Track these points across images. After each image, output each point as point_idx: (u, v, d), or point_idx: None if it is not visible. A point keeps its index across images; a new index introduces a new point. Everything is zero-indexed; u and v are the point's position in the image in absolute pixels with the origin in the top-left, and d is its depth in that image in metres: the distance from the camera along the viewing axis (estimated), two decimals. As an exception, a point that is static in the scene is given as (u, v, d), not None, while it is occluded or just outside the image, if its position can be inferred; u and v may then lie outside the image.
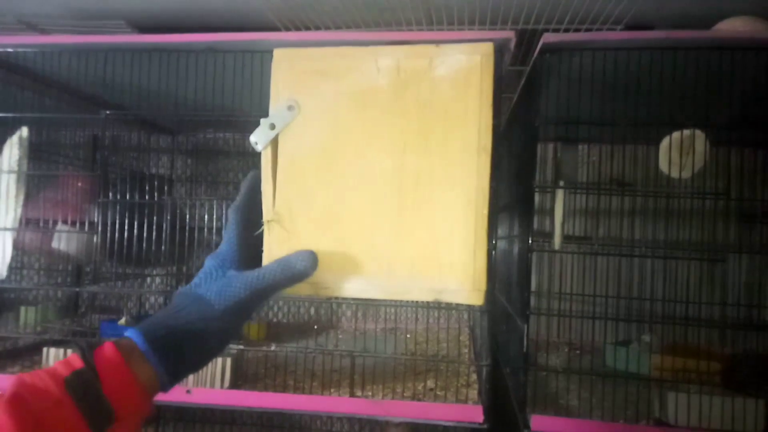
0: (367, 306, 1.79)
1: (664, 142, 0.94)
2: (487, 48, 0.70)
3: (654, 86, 0.94)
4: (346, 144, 0.71)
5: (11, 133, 1.14)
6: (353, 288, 0.70)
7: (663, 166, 0.94)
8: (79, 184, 1.56)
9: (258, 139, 0.72)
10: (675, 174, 0.93)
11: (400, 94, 0.70)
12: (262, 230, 0.68)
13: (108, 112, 1.08)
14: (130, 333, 0.51)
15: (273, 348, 1.13)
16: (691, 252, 1.19)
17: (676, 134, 0.93)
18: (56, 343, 1.22)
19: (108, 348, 0.48)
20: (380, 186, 0.69)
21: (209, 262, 0.59)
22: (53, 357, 1.08)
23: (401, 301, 1.41)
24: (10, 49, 1.05)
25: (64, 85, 1.27)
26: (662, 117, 0.95)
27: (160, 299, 1.86)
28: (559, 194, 0.95)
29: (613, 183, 1.45)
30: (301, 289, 0.71)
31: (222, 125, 1.84)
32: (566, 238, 1.31)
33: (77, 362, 0.47)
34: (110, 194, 1.27)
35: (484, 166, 0.69)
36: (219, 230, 1.34)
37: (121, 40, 1.04)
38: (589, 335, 1.65)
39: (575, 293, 1.59)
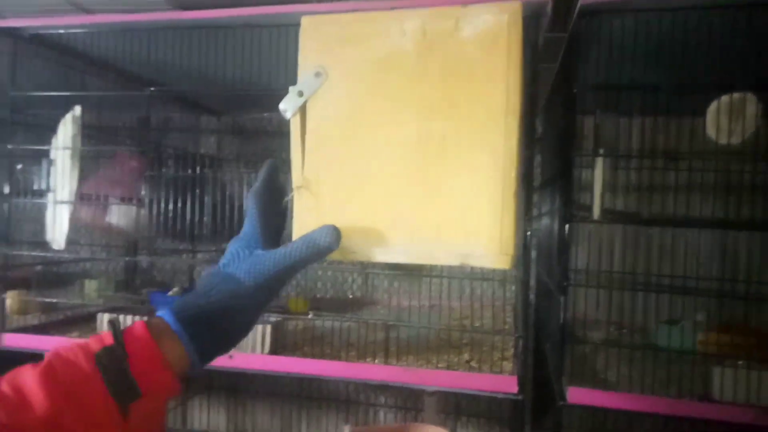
0: (409, 283, 1.80)
1: (712, 107, 0.89)
2: (515, 7, 0.68)
3: (701, 49, 0.89)
4: (372, 109, 0.71)
5: (65, 112, 1.21)
6: (380, 253, 0.70)
7: (710, 131, 0.89)
8: (133, 163, 1.64)
9: (287, 106, 0.73)
10: (723, 140, 0.88)
11: (426, 58, 0.69)
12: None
13: (152, 89, 1.12)
14: (162, 313, 0.51)
15: (310, 316, 1.15)
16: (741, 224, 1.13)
17: (725, 98, 0.88)
18: (111, 311, 1.28)
19: (138, 327, 0.50)
20: (406, 150, 0.69)
21: (234, 244, 0.59)
22: (107, 324, 1.15)
23: (443, 274, 1.41)
24: (60, 30, 1.10)
25: (113, 66, 1.32)
26: (710, 81, 0.90)
27: (206, 270, 1.93)
28: (599, 163, 0.92)
29: (660, 156, 1.39)
30: (329, 255, 0.72)
31: (265, 105, 1.88)
32: (614, 214, 1.27)
33: (108, 339, 0.48)
34: (161, 171, 1.32)
35: (512, 128, 0.67)
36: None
37: (161, 17, 1.07)
38: (636, 315, 1.60)
39: (624, 272, 1.54)
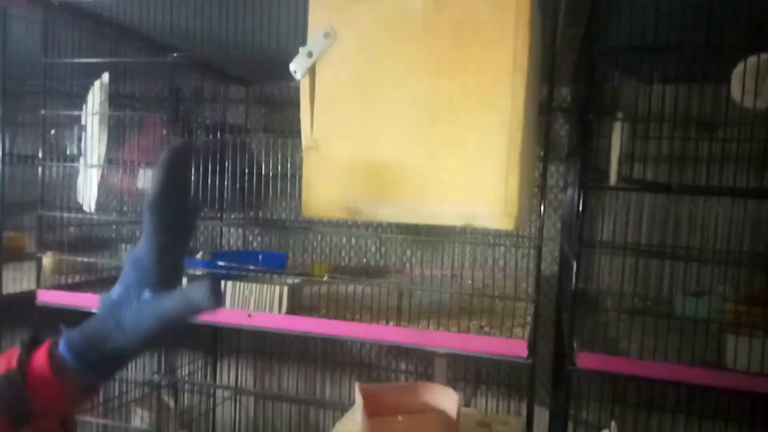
0: (432, 251, 1.80)
1: (738, 69, 0.86)
2: (525, -37, 0.67)
3: (728, 8, 0.86)
4: (381, 68, 0.71)
5: (94, 80, 1.25)
6: (386, 212, 0.72)
7: (735, 94, 0.86)
8: (163, 131, 1.68)
9: (297, 67, 0.74)
10: (749, 103, 0.85)
11: (435, 16, 0.69)
12: (190, 219, 0.59)
13: (175, 54, 1.15)
14: (62, 345, 0.54)
15: (326, 278, 1.18)
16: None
17: (752, 59, 0.85)
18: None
19: (41, 356, 0.53)
20: (414, 109, 0.70)
21: (131, 272, 0.56)
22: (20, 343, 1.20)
23: (463, 239, 1.42)
24: (88, -2, 1.13)
25: (140, 34, 1.35)
26: (737, 42, 0.87)
27: (235, 236, 1.99)
28: (617, 127, 0.90)
29: (687, 123, 1.35)
30: (337, 213, 0.74)
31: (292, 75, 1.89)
32: (631, 182, 1.24)
33: (14, 362, 0.53)
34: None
35: (519, 87, 0.67)
36: (292, 177, 1.38)
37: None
38: (662, 287, 1.57)
39: (653, 244, 1.51)
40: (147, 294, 0.55)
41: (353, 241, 1.90)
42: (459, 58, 0.68)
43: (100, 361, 0.55)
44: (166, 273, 0.56)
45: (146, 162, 1.60)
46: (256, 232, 2.03)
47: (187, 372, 1.98)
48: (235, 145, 1.48)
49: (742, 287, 1.44)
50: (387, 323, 1.06)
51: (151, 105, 1.92)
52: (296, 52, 1.20)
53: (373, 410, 0.86)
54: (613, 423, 1.03)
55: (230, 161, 1.45)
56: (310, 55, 0.73)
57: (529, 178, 0.88)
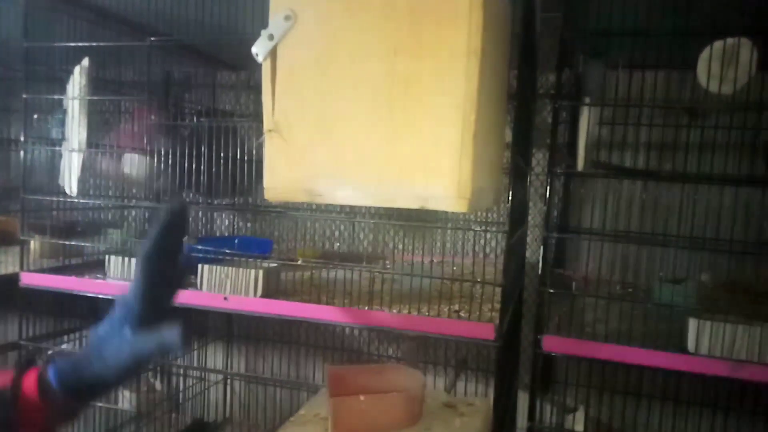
0: (417, 237, 1.81)
1: (705, 53, 0.86)
2: (479, -55, 0.67)
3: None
4: (339, 50, 0.72)
5: (75, 64, 1.25)
6: (345, 195, 0.72)
7: (702, 79, 0.86)
8: (150, 116, 1.69)
9: (258, 50, 0.75)
10: (714, 88, 0.85)
11: (392, -1, 0.69)
12: (180, 273, 0.64)
13: (152, 38, 1.15)
14: (51, 371, 0.60)
15: (299, 262, 1.19)
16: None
17: (717, 44, 0.85)
18: (122, 255, 1.34)
19: (31, 379, 0.59)
20: (371, 92, 0.70)
21: (118, 310, 0.62)
22: (113, 264, 1.22)
23: (450, 225, 1.43)
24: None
25: (119, 17, 1.36)
26: (704, 26, 0.87)
27: (226, 222, 2.00)
28: (584, 112, 0.90)
29: (680, 111, 1.34)
30: (298, 196, 0.75)
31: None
32: (599, 166, 1.24)
33: (8, 380, 0.59)
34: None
35: (473, 70, 0.67)
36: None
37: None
38: (645, 274, 1.58)
39: (636, 231, 1.52)
40: (128, 332, 0.60)
41: (342, 227, 1.91)
42: (415, 40, 0.69)
43: (82, 389, 0.60)
44: (148, 316, 0.60)
45: (133, 147, 1.61)
46: (248, 217, 2.04)
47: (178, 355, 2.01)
48: (226, 130, 1.48)
49: (723, 274, 1.45)
50: (361, 307, 1.08)
51: (139, 90, 1.93)
52: None
53: (339, 391, 0.88)
54: (581, 407, 1.04)
55: (220, 146, 1.45)
56: (271, 38, 0.73)
57: (495, 163, 0.88)
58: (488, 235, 1.73)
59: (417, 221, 1.50)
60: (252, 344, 2.07)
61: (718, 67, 0.84)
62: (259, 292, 1.09)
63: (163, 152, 1.56)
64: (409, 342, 1.07)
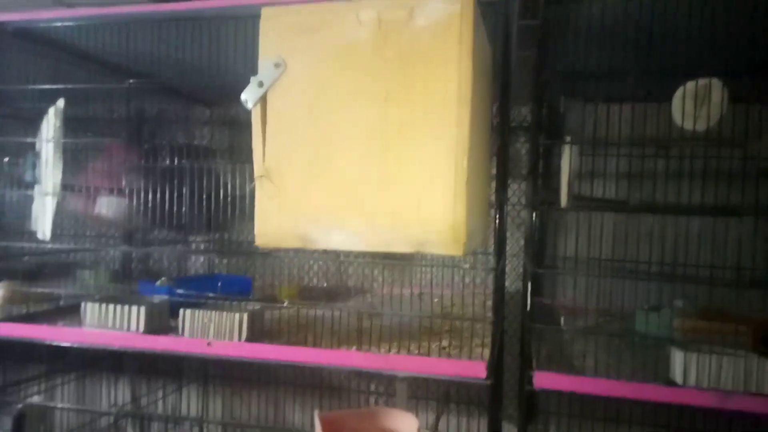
0: (400, 272, 1.81)
1: (678, 93, 0.90)
2: (467, -4, 0.69)
3: (667, 36, 0.90)
4: (330, 98, 0.72)
5: (51, 105, 1.23)
6: (339, 240, 0.72)
7: (676, 117, 0.90)
8: (123, 154, 1.66)
9: (248, 97, 0.75)
10: (689, 126, 0.89)
11: (382, 46, 0.70)
12: None
13: (131, 81, 1.14)
14: None
15: (285, 304, 1.17)
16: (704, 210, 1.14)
17: (690, 84, 0.88)
18: (101, 301, 1.30)
19: None
20: (364, 138, 0.71)
21: None
22: (89, 312, 1.17)
23: (431, 262, 1.43)
24: (42, 24, 1.12)
25: (96, 58, 1.34)
26: (677, 67, 0.91)
27: (201, 258, 1.96)
28: (566, 150, 0.92)
29: (651, 142, 1.39)
30: (291, 242, 0.74)
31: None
32: (583, 201, 1.27)
33: None
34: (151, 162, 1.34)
35: (463, 116, 0.68)
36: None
37: (143, 9, 1.09)
38: (621, 302, 1.61)
39: (607, 258, 1.55)
40: None
41: (320, 262, 1.89)
42: (406, 87, 0.70)
43: None
44: None
45: (105, 187, 1.58)
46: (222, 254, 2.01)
47: (152, 401, 1.94)
48: (201, 167, 1.46)
49: (695, 300, 1.48)
50: (349, 347, 1.06)
51: (110, 128, 1.90)
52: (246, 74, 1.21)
53: (332, 437, 0.86)
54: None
55: (195, 183, 1.43)
56: (260, 84, 0.73)
57: (483, 198, 0.89)
58: (467, 265, 1.75)
59: (402, 259, 1.50)
60: (228, 386, 2.01)
61: (692, 105, 0.87)
62: (244, 335, 1.07)
63: (136, 191, 1.53)
64: (399, 383, 1.06)
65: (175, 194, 1.40)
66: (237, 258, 1.99)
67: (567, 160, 0.91)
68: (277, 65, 0.72)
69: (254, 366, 1.93)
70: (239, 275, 1.84)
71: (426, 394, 1.75)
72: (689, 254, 1.46)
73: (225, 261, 2.02)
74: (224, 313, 1.08)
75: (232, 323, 1.07)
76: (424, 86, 0.69)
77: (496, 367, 0.99)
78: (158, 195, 1.42)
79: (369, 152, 0.70)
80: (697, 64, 0.88)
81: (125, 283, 1.81)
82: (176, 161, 1.44)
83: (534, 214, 0.92)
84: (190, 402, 2.03)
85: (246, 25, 1.08)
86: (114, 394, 1.90)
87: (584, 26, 0.94)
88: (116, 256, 1.99)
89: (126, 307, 1.15)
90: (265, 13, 0.75)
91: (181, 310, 1.10)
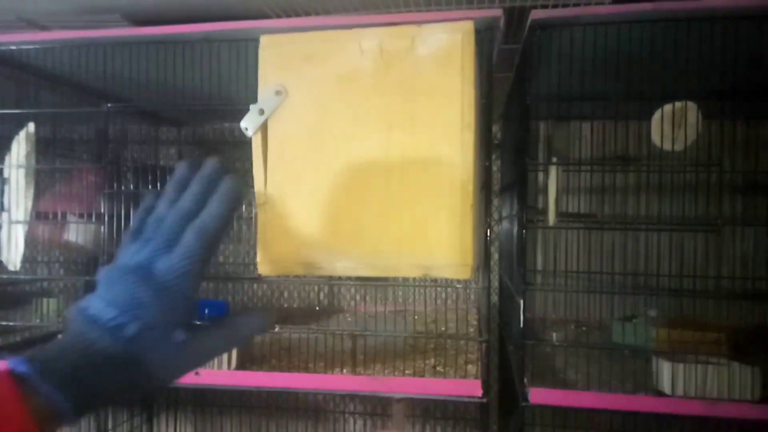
0: (375, 289, 1.81)
1: (657, 115, 0.94)
2: (468, 26, 0.71)
3: (645, 60, 0.94)
4: (332, 126, 0.72)
5: (19, 129, 1.18)
6: (344, 266, 0.72)
7: (655, 138, 0.94)
8: (91, 177, 1.61)
9: (248, 124, 0.74)
10: (667, 146, 0.93)
11: (384, 75, 0.71)
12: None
13: (110, 104, 1.11)
14: (31, 371, 0.44)
15: (277, 329, 1.16)
16: (686, 225, 1.20)
17: (667, 107, 0.93)
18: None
19: (3, 377, 0.43)
20: (368, 165, 0.71)
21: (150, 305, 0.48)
22: None
23: (408, 282, 1.44)
24: (13, 47, 1.08)
25: (68, 81, 1.30)
26: (654, 91, 0.95)
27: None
28: (552, 171, 0.96)
29: (617, 159, 1.45)
30: (295, 270, 0.74)
31: (226, 116, 1.87)
32: (571, 216, 1.31)
33: None
34: (121, 186, 1.31)
35: (468, 143, 0.70)
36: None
37: (118, 33, 1.06)
38: (595, 312, 1.66)
39: (581, 271, 1.60)
40: (181, 335, 0.45)
41: (295, 283, 1.87)
42: (410, 115, 0.71)
43: (79, 379, 0.43)
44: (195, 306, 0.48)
45: (75, 212, 1.53)
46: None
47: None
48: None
49: (666, 310, 1.55)
50: (342, 370, 1.06)
51: (76, 150, 1.84)
52: (234, 95, 1.19)
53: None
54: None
55: None
56: (261, 112, 0.73)
57: (481, 218, 0.91)
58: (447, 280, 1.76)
59: (380, 279, 1.50)
60: (200, 412, 1.95)
61: (669, 127, 0.92)
62: (234, 364, 1.05)
63: (107, 216, 1.49)
64: (396, 404, 1.06)
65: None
66: (208, 281, 1.94)
67: (554, 179, 0.95)
68: (278, 93, 0.72)
69: (227, 391, 1.89)
70: (213, 299, 1.81)
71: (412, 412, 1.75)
72: (661, 266, 1.53)
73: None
74: (212, 340, 1.05)
75: (220, 351, 1.04)
76: (427, 114, 0.70)
77: (489, 384, 1.00)
78: (127, 219, 1.39)
79: (373, 179, 0.71)
80: (673, 88, 0.93)
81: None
82: (147, 183, 1.41)
83: (524, 232, 0.94)
84: (160, 430, 1.96)
85: (218, 47, 1.08)
86: (81, 425, 1.82)
87: (566, 51, 0.98)
88: (80, 284, 1.92)
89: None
90: (264, 40, 0.75)
91: (166, 340, 1.07)
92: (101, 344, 0.43)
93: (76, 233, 1.44)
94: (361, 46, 0.72)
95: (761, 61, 0.94)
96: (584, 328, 1.61)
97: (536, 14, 0.90)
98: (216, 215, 0.47)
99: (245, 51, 1.06)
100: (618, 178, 1.43)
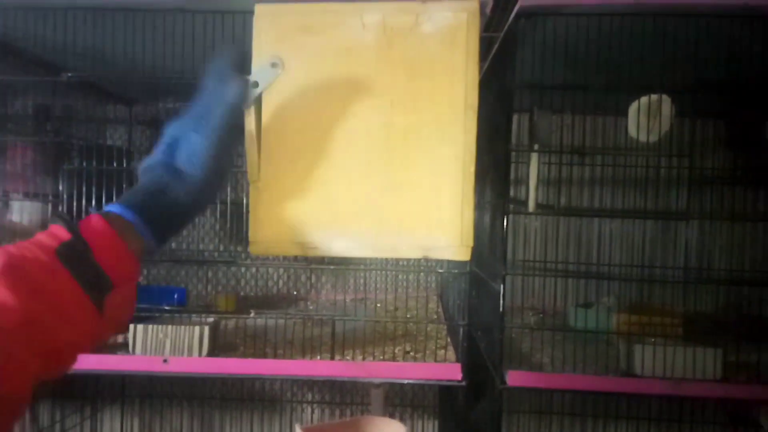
0: (337, 276, 1.80)
1: (633, 107, 0.97)
2: (474, 6, 0.70)
3: (624, 53, 0.97)
4: (332, 101, 0.70)
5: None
6: (341, 247, 0.70)
7: (632, 130, 0.97)
8: (32, 154, 1.50)
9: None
10: (643, 138, 0.97)
11: (387, 51, 0.69)
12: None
13: (70, 74, 1.03)
14: (113, 207, 0.52)
15: (252, 315, 1.12)
16: (637, 213, 1.26)
17: (644, 99, 0.96)
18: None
19: (95, 219, 0.49)
20: (368, 144, 0.69)
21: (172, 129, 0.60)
22: (58, 219, 1.05)
23: (370, 267, 1.43)
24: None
25: (18, 50, 1.20)
26: (632, 83, 0.99)
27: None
28: (534, 158, 0.97)
29: (574, 152, 1.50)
30: (289, 250, 0.71)
31: (180, 93, 1.78)
32: (545, 208, 1.35)
33: (63, 234, 0.46)
34: (72, 163, 1.22)
35: (471, 123, 0.69)
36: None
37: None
38: (552, 300, 1.71)
39: (545, 260, 1.64)
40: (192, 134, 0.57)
41: (253, 269, 1.82)
42: (412, 93, 0.69)
43: (159, 212, 0.53)
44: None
45: (15, 191, 1.43)
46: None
47: (65, 427, 1.76)
48: (120, 172, 1.36)
49: (621, 297, 1.62)
50: (315, 356, 1.03)
51: (11, 124, 1.70)
52: (188, 71, 1.14)
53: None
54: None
55: (114, 186, 1.33)
56: (255, 85, 0.69)
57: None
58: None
59: (339, 262, 1.48)
60: (147, 405, 1.87)
61: (645, 119, 0.95)
62: (205, 350, 1.00)
63: (51, 195, 1.41)
64: (374, 390, 1.05)
65: (89, 198, 1.29)
66: (159, 267, 1.86)
67: (535, 168, 0.96)
68: (273, 65, 0.69)
69: (174, 380, 1.82)
70: (171, 285, 1.73)
71: (365, 399, 1.75)
72: (614, 255, 1.60)
73: (145, 271, 1.88)
74: (182, 327, 1.00)
75: (191, 338, 1.00)
76: (430, 93, 0.69)
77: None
78: (76, 199, 1.31)
79: (373, 157, 0.69)
80: (649, 81, 0.96)
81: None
82: (92, 162, 1.33)
83: (505, 219, 0.95)
84: (104, 426, 1.86)
85: (194, 18, 1.03)
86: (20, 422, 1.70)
87: (549, 41, 1.00)
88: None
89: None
90: (260, 9, 0.71)
91: (131, 326, 1.01)
92: (175, 189, 0.55)
93: (21, 213, 1.33)
94: (363, 20, 0.70)
95: (738, 59, 0.99)
96: (541, 315, 1.66)
97: (525, 1, 0.91)
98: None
99: (221, 23, 1.01)
100: (588, 170, 1.47)
